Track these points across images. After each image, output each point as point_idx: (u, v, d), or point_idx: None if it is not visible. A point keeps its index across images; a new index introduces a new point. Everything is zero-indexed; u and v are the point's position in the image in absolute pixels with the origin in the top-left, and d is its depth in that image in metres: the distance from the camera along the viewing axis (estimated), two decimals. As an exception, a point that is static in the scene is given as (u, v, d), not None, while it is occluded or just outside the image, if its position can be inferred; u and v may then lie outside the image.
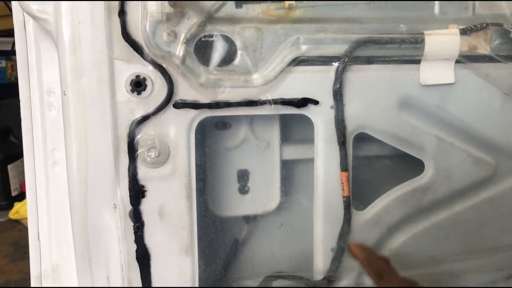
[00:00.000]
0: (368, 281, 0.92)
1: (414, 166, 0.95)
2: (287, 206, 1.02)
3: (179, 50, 0.80)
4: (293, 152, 1.01)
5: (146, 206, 0.84)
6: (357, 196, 0.95)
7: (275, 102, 0.85)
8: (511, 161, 0.98)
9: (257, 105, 0.84)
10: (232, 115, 0.90)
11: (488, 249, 0.99)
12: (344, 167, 0.90)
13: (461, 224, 0.98)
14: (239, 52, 0.84)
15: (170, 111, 0.81)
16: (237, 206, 1.00)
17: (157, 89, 0.80)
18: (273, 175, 1.01)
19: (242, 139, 0.98)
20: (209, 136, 0.95)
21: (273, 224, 1.03)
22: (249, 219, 1.01)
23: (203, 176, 0.94)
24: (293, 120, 0.96)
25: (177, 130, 0.83)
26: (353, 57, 0.86)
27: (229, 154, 0.99)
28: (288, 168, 1.01)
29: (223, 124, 0.97)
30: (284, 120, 0.98)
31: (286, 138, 1.00)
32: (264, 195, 1.01)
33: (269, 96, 0.84)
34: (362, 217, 0.93)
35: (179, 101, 0.82)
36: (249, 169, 1.00)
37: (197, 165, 0.86)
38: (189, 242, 0.87)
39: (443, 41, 0.88)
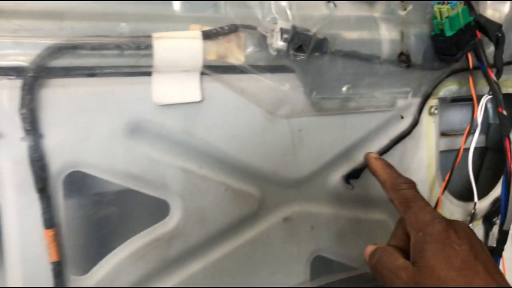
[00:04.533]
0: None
1: (157, 207, 0.74)
2: None
3: None
4: None
5: None
6: (76, 258, 0.70)
7: None
8: (277, 191, 0.82)
9: None
10: None
11: (256, 299, 0.83)
12: (48, 223, 0.64)
13: (222, 274, 0.79)
14: None
15: None
16: None
17: None
18: None
19: None
20: None
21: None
22: None
23: None
24: None
25: None
26: (49, 68, 0.60)
27: None
28: None
29: None
30: None
31: None
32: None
33: None
34: (83, 284, 0.69)
35: None
36: None
37: None
38: None
39: (179, 47, 0.67)
